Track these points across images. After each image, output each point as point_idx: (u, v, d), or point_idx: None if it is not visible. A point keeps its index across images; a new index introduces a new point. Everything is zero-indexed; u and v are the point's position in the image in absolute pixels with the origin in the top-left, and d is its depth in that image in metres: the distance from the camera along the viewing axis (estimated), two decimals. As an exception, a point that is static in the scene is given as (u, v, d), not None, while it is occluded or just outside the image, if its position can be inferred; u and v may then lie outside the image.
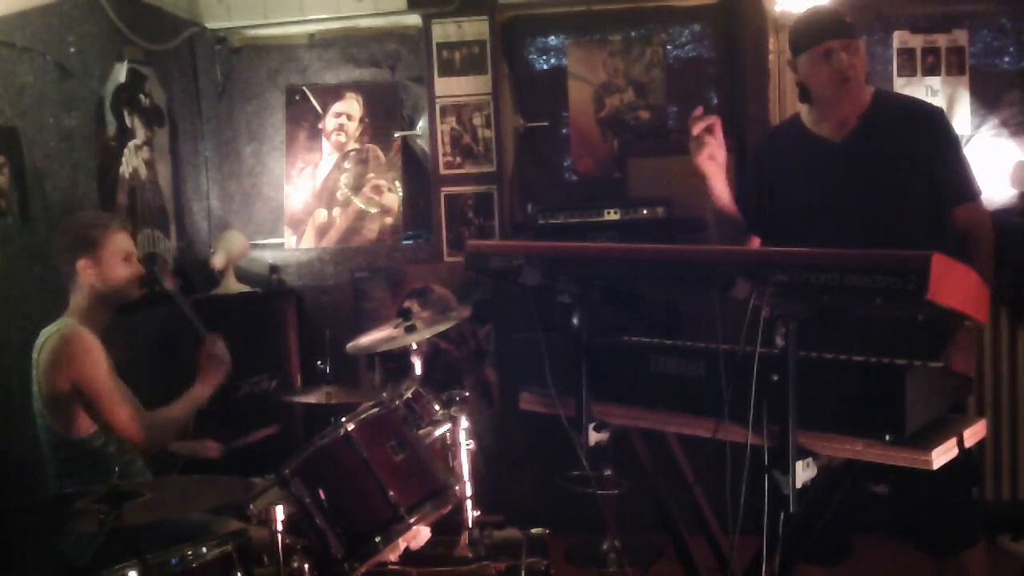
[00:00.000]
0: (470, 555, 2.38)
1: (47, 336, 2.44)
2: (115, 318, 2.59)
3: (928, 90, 3.90)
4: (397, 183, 4.21)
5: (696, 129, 2.34)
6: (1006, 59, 3.95)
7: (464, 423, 2.41)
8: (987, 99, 3.91)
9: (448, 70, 4.02)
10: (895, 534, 2.58)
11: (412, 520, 2.04)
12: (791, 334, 1.58)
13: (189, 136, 4.05)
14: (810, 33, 2.40)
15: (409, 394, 2.36)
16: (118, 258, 2.53)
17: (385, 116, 4.27)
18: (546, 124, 4.27)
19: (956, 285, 1.48)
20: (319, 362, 2.99)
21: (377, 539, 2.02)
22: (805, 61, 2.41)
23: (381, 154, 4.24)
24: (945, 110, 3.85)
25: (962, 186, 2.41)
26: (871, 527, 2.66)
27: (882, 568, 3.27)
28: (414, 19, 4.11)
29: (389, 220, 4.21)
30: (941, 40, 3.90)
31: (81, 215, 2.86)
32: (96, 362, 2.42)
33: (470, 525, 2.39)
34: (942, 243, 2.34)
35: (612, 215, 3.70)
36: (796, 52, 2.45)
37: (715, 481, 1.70)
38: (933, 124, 2.42)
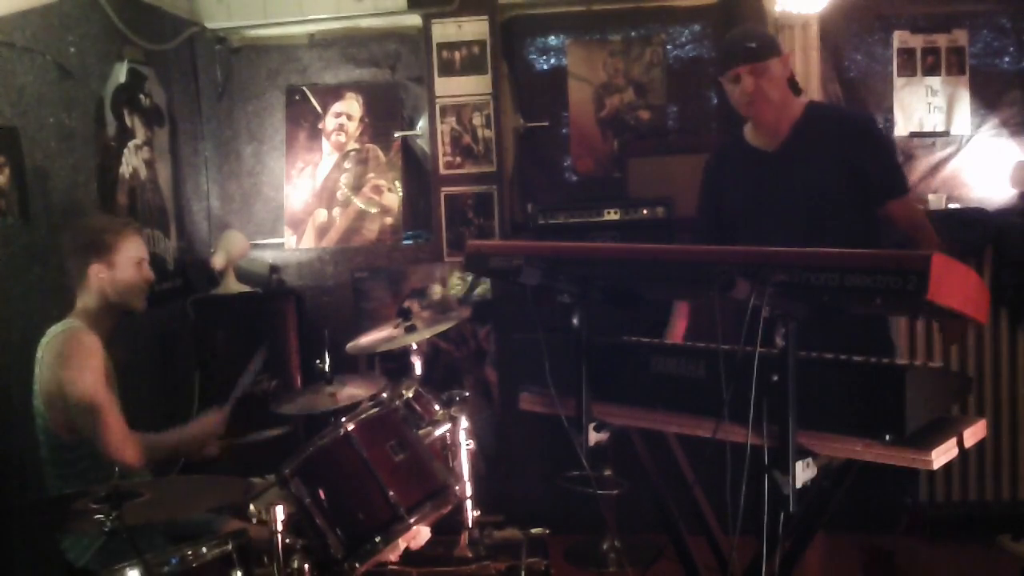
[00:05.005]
0: (470, 555, 2.38)
1: (52, 336, 2.43)
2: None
3: (928, 90, 3.90)
4: (397, 183, 4.21)
5: None
6: (1006, 59, 3.94)
7: (464, 423, 2.41)
8: (987, 99, 3.91)
9: (448, 70, 4.02)
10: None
11: (412, 520, 2.04)
12: (791, 334, 1.58)
13: (189, 136, 4.05)
14: (722, 59, 2.66)
15: (409, 394, 2.36)
16: (131, 263, 2.53)
17: (385, 116, 4.26)
18: (546, 124, 4.27)
19: (956, 285, 1.49)
20: (319, 362, 2.99)
21: (377, 539, 2.02)
22: (724, 83, 2.64)
23: (381, 154, 4.24)
24: (944, 110, 3.90)
25: (895, 184, 2.62)
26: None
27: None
28: (414, 19, 4.10)
29: (389, 220, 4.21)
30: (941, 40, 3.90)
31: (96, 218, 2.85)
32: (92, 367, 2.38)
33: (470, 525, 2.39)
34: (873, 237, 2.61)
35: (612, 215, 3.70)
36: (719, 74, 2.69)
37: (715, 481, 1.70)
38: (864, 130, 2.63)
